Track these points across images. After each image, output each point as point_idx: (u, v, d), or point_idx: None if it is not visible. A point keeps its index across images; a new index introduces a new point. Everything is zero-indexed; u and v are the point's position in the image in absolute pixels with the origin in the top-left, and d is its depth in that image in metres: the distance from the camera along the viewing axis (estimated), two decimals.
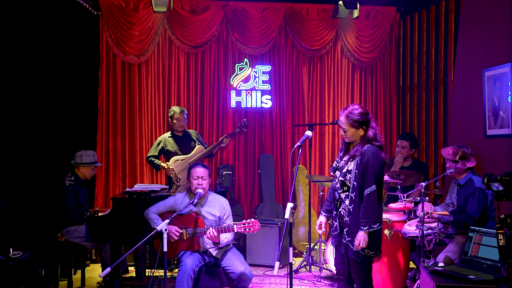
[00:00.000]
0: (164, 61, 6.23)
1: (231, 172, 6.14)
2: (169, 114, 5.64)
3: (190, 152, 5.50)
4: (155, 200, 4.20)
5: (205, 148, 5.59)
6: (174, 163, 5.36)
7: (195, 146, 5.55)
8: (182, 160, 5.39)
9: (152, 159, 5.54)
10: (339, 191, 3.23)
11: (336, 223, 3.27)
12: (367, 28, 6.52)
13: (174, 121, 5.57)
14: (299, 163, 5.50)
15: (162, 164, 5.43)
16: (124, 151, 6.12)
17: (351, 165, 3.16)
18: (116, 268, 4.12)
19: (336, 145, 6.57)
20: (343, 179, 3.20)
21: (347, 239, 3.16)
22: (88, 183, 5.18)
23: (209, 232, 3.80)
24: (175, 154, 5.49)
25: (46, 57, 5.47)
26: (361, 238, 3.05)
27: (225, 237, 3.94)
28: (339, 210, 3.23)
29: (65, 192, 4.65)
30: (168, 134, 5.65)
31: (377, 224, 3.03)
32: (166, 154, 5.56)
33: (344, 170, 3.20)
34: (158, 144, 5.59)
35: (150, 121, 6.18)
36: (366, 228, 3.03)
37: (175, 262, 4.60)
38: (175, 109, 5.63)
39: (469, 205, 4.07)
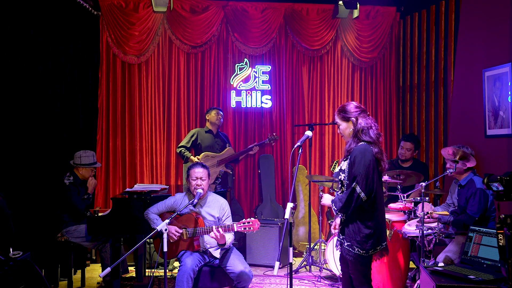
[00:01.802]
0: (164, 61, 6.23)
1: (231, 172, 6.14)
2: (208, 112, 5.86)
3: (221, 151, 5.73)
4: (155, 200, 4.20)
5: (234, 152, 5.81)
6: (204, 158, 5.52)
7: (226, 147, 5.78)
8: (212, 157, 5.61)
9: (182, 150, 5.70)
10: (338, 192, 3.24)
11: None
12: (367, 28, 6.52)
13: (212, 115, 5.77)
14: (299, 163, 5.50)
15: (192, 157, 5.58)
16: (124, 151, 6.11)
17: (345, 164, 3.18)
18: (116, 268, 4.12)
19: (336, 145, 6.57)
20: (338, 179, 3.23)
21: (341, 237, 3.20)
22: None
23: (214, 232, 3.75)
24: (207, 149, 5.67)
25: (46, 57, 5.47)
26: (325, 197, 3.23)
27: (228, 238, 3.93)
28: None
29: (67, 191, 4.61)
30: (204, 129, 5.84)
31: (336, 210, 3.09)
32: (197, 147, 5.73)
33: (337, 170, 3.25)
34: (192, 135, 5.77)
35: (150, 121, 6.18)
36: (333, 203, 3.12)
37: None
38: (214, 109, 5.87)
39: (470, 206, 4.06)
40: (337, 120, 3.23)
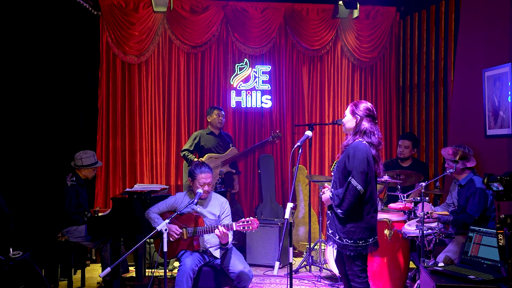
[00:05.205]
0: (164, 61, 6.23)
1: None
2: (208, 113, 5.78)
3: (225, 152, 5.70)
4: (155, 200, 4.20)
5: (238, 151, 5.80)
6: (208, 160, 5.50)
7: (230, 147, 5.74)
8: (215, 158, 5.59)
9: (186, 153, 5.66)
10: (331, 189, 3.30)
11: None
12: (367, 28, 6.53)
13: (214, 116, 5.70)
14: (299, 163, 5.50)
15: (196, 160, 5.56)
16: (124, 151, 6.12)
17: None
18: (116, 268, 4.12)
19: (336, 145, 6.57)
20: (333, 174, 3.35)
21: (330, 232, 3.28)
22: (88, 183, 5.18)
23: (219, 229, 3.74)
24: (210, 150, 5.64)
25: (46, 57, 5.46)
26: (326, 193, 3.23)
27: (230, 237, 3.92)
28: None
29: (67, 191, 4.64)
30: (206, 131, 5.79)
31: (338, 206, 3.10)
32: (200, 149, 5.69)
33: (334, 167, 3.40)
34: (194, 138, 5.73)
35: (150, 121, 6.18)
36: (331, 199, 3.16)
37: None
38: (215, 109, 5.79)
39: (470, 205, 4.07)
40: (346, 111, 3.31)
